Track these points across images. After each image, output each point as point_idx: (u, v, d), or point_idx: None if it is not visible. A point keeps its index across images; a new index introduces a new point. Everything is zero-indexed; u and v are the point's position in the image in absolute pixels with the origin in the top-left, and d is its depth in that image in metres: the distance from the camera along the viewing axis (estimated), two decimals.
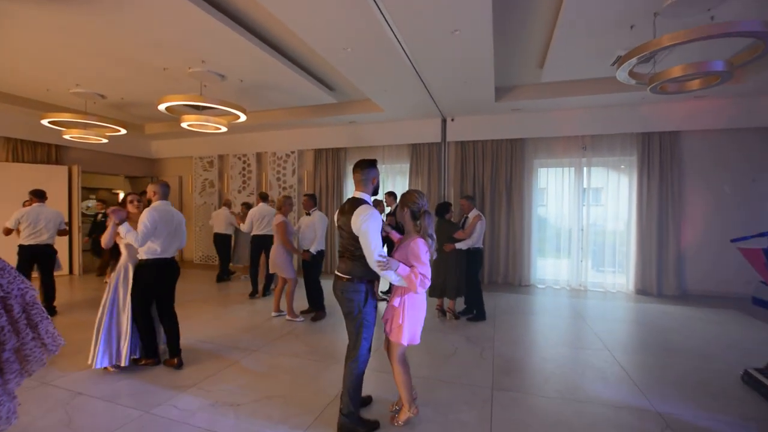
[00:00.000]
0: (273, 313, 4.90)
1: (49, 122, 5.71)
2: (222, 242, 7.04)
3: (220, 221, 6.97)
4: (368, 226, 2.17)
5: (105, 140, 6.57)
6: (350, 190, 8.09)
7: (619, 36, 3.94)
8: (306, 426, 2.42)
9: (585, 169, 6.76)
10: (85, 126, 6.01)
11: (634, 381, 3.09)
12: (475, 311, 4.80)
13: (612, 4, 3.38)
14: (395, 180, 7.81)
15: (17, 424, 2.06)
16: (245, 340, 3.98)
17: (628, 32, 3.81)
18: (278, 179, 8.54)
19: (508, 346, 3.88)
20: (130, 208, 3.42)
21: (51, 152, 7.79)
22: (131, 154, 9.33)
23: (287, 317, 4.74)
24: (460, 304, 5.03)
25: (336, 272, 2.39)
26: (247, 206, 6.86)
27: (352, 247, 2.27)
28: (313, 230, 4.72)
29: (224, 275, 7.15)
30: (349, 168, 8.08)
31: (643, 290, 6.36)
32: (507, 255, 7.02)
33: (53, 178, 7.48)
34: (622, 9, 3.44)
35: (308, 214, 4.82)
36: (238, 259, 7.12)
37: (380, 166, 7.95)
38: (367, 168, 2.35)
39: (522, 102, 6.20)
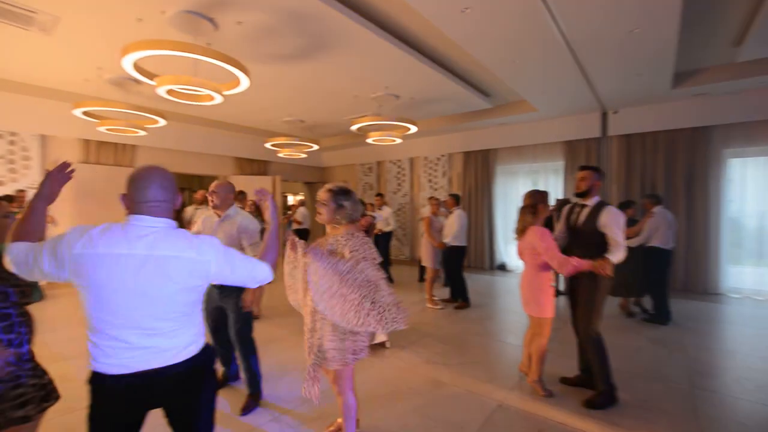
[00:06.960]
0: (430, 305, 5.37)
1: (271, 145, 7.66)
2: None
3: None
4: None
5: (305, 155, 8.41)
6: (500, 190, 8.34)
7: None
8: (512, 386, 2.98)
9: None
10: (292, 146, 7.85)
11: None
12: (655, 312, 4.63)
13: None
14: (548, 179, 7.76)
15: None
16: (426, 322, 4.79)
17: None
18: (429, 181, 9.39)
19: (702, 351, 3.71)
20: None
21: (261, 166, 10.28)
22: (309, 164, 11.50)
23: (428, 304, 5.36)
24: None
25: None
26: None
27: None
28: (450, 226, 5.36)
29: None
30: (499, 168, 8.36)
31: None
32: (687, 259, 6.30)
33: (264, 186, 9.87)
34: None
35: (451, 212, 5.52)
36: None
37: (531, 165, 7.83)
38: None
39: (707, 86, 5.54)
